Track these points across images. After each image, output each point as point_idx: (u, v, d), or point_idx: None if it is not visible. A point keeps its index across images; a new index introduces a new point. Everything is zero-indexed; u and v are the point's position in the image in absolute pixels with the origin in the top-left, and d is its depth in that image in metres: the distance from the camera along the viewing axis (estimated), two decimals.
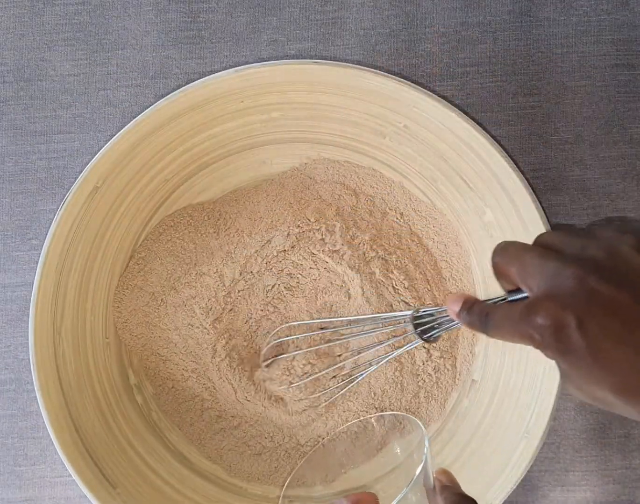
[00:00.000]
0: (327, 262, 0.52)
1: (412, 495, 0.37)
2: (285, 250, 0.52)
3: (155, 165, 0.51)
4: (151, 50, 0.54)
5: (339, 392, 0.52)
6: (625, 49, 0.54)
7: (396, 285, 0.52)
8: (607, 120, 0.53)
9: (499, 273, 0.40)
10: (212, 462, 0.53)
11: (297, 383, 0.51)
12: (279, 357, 0.52)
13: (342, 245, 0.52)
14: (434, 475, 0.40)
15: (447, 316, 0.43)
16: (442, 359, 0.52)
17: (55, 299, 0.49)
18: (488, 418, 0.51)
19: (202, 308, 0.52)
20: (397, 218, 0.54)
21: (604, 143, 0.53)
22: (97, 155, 0.47)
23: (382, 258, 0.52)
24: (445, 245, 0.53)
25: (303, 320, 0.52)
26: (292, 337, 0.52)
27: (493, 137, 0.47)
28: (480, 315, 0.39)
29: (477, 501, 0.37)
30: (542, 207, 0.51)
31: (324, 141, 0.53)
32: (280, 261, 0.53)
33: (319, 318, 0.53)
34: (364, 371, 0.51)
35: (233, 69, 0.48)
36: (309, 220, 0.52)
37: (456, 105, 0.49)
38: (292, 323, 0.52)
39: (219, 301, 0.52)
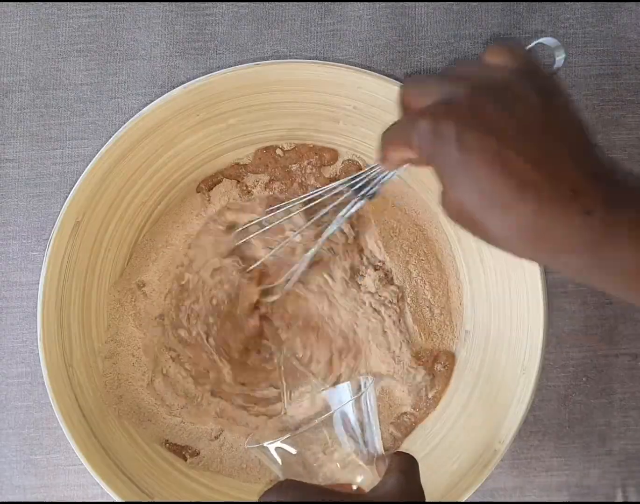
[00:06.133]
0: None
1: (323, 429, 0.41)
2: None
3: (130, 190, 0.52)
4: (160, 61, 0.56)
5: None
6: (609, 60, 0.56)
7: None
8: (591, 128, 0.56)
9: (403, 105, 0.39)
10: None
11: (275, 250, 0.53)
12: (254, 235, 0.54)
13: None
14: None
15: (380, 171, 0.44)
16: (442, 315, 0.55)
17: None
18: (487, 363, 0.53)
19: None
20: None
21: None
22: (72, 190, 0.49)
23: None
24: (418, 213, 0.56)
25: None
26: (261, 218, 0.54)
27: None
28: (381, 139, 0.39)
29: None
30: None
31: (284, 137, 0.54)
32: None
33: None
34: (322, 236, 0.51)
35: (182, 86, 0.50)
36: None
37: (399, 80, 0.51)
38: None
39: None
